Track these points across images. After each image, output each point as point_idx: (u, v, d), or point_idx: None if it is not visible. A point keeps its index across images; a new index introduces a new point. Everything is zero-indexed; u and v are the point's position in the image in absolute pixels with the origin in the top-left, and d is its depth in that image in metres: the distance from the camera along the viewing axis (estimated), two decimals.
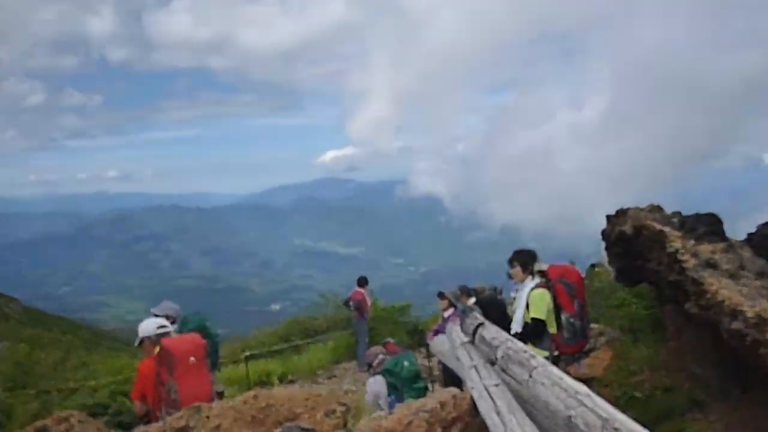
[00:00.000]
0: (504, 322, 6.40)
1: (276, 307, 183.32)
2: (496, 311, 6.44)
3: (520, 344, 3.75)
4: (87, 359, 10.11)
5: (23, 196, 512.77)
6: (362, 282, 12.46)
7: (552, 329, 5.40)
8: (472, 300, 8.18)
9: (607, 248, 6.46)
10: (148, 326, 4.94)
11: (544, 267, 5.52)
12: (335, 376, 12.35)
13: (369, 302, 12.52)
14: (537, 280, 5.46)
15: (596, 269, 10.93)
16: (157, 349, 4.55)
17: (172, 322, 6.50)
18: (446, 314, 8.02)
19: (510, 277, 11.35)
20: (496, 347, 3.94)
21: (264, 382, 11.59)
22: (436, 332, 8.33)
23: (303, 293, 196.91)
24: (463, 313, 5.23)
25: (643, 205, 6.06)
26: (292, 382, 11.91)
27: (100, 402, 8.11)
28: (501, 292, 13.19)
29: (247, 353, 11.31)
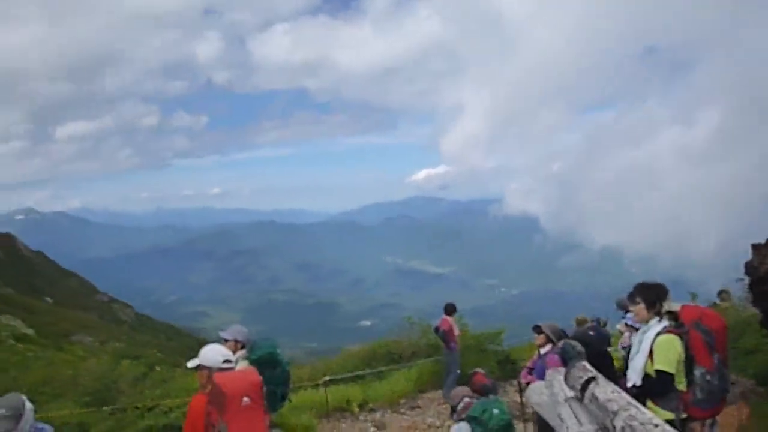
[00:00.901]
0: (606, 363, 5.36)
1: (366, 323, 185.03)
2: (598, 349, 5.41)
3: (647, 413, 2.83)
4: (167, 375, 9.93)
5: (136, 211, 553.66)
6: (449, 310, 11.54)
7: (681, 386, 4.33)
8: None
9: (751, 285, 5.27)
10: (213, 355, 4.40)
11: (675, 307, 4.45)
12: (419, 407, 11.56)
13: (457, 331, 11.59)
14: (665, 322, 4.40)
15: (721, 303, 9.45)
16: (210, 385, 4.01)
17: (242, 347, 6.02)
18: (543, 350, 7.00)
19: (621, 308, 10.12)
20: (614, 413, 3.02)
21: (343, 408, 11.02)
22: (530, 370, 7.35)
23: (392, 311, 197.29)
24: (566, 355, 4.31)
25: (758, 232, 4.90)
26: (372, 410, 11.24)
27: (174, 423, 7.79)
28: (605, 324, 11.90)
29: (327, 378, 10.77)
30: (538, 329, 7.15)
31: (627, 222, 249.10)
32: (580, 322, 10.66)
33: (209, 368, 4.30)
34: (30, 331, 35.18)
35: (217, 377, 3.99)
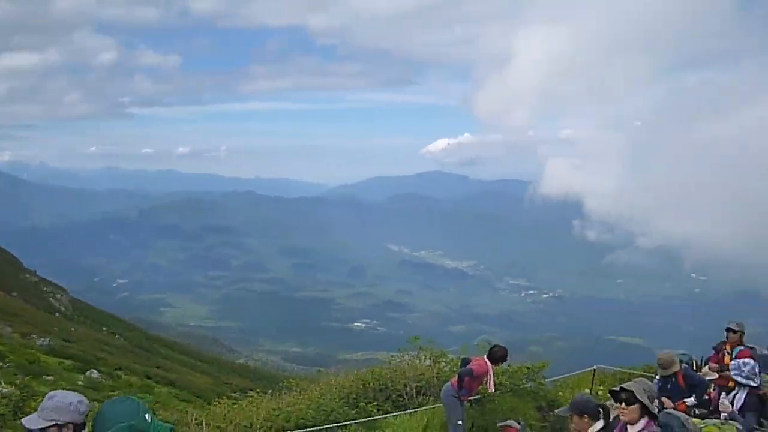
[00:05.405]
0: None
1: (360, 325, 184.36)
2: None
3: None
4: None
5: (83, 171, 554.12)
6: (497, 356, 9.55)
7: None
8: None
9: None
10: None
11: None
12: None
13: (492, 388, 9.72)
14: None
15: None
16: None
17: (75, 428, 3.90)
18: (634, 429, 5.36)
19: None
20: None
21: None
22: None
23: (397, 311, 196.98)
24: None
25: None
26: None
27: None
28: (700, 367, 10.12)
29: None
30: (627, 397, 5.40)
31: (700, 213, 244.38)
32: (665, 364, 8.90)
33: None
34: None
35: None
